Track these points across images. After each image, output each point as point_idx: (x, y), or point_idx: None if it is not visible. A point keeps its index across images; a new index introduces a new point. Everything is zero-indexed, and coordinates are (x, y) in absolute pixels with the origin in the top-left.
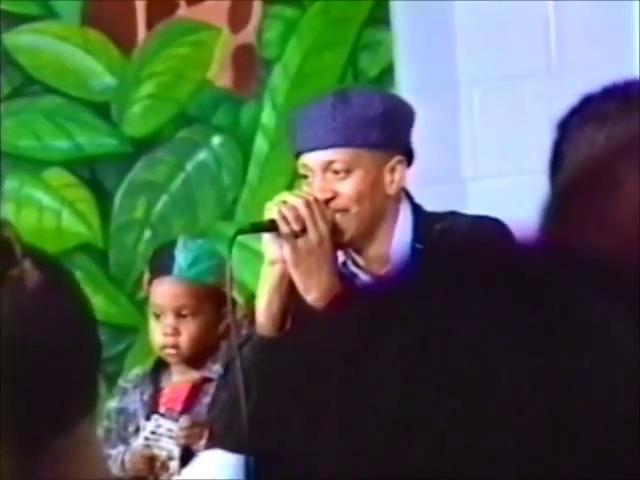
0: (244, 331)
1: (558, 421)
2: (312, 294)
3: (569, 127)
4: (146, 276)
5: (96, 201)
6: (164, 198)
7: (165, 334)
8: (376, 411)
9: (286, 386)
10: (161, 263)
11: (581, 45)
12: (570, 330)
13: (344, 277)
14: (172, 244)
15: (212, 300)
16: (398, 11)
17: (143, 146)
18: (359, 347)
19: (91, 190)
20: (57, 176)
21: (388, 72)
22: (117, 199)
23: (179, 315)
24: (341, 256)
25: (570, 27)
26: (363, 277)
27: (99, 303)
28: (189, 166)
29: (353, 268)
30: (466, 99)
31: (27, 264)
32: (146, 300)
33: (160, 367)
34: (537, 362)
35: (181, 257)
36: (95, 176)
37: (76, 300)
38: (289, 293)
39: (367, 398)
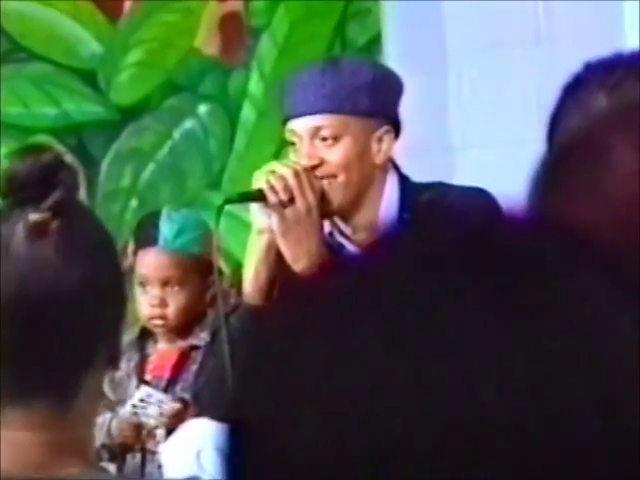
0: (232, 300)
1: (541, 400)
2: (300, 263)
3: (565, 93)
4: (131, 246)
5: (82, 169)
6: (151, 166)
7: (152, 305)
8: (359, 380)
9: (271, 353)
10: (146, 234)
11: (570, 14)
12: (557, 305)
13: (331, 247)
14: (157, 214)
15: (198, 270)
16: None
17: (130, 114)
18: (343, 316)
19: (77, 158)
20: (44, 143)
21: (376, 41)
22: (104, 167)
23: (165, 286)
24: (327, 227)
25: None
26: (349, 247)
27: None
28: (176, 134)
29: (340, 238)
30: (454, 68)
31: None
32: (130, 270)
33: (146, 334)
34: (521, 334)
35: (166, 228)
36: (82, 144)
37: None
38: (277, 263)
39: (350, 367)
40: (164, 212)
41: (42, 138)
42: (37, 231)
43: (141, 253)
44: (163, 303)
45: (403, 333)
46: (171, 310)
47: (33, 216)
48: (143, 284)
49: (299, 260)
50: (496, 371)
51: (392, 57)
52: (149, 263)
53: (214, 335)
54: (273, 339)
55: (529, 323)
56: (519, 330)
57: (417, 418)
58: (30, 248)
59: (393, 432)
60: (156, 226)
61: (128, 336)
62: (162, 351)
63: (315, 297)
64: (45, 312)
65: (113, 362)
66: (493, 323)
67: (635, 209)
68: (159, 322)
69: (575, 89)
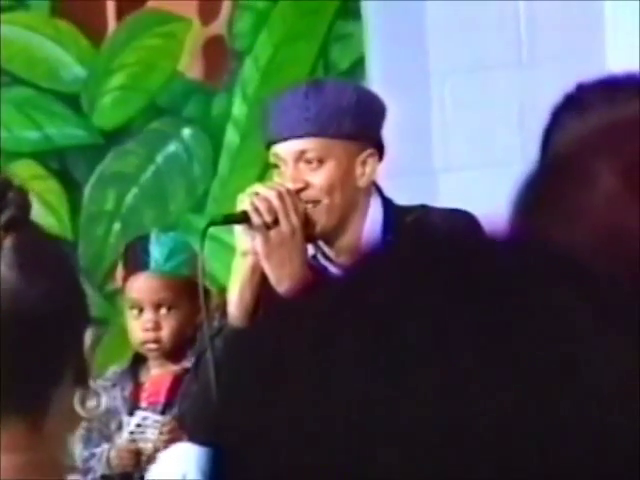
0: (216, 323)
1: (525, 416)
2: (284, 285)
3: (559, 112)
4: (120, 272)
5: (66, 193)
6: (134, 190)
7: (146, 329)
8: (344, 401)
9: (253, 375)
10: (136, 258)
11: (552, 36)
12: (536, 324)
13: (314, 270)
14: (144, 238)
15: (189, 292)
16: (369, 3)
17: (113, 137)
18: (326, 336)
19: (61, 182)
20: (26, 167)
21: (359, 64)
22: (87, 191)
23: (158, 309)
24: (311, 249)
25: (541, 18)
26: (333, 270)
27: None
28: (159, 158)
29: (323, 261)
30: (437, 91)
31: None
32: (117, 294)
33: (137, 362)
34: (501, 355)
35: (156, 251)
36: (65, 167)
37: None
38: (261, 285)
39: (334, 387)
40: (153, 235)
41: (24, 162)
42: None
43: (132, 278)
44: (157, 326)
45: (387, 352)
46: (165, 333)
47: None
48: (135, 310)
49: (283, 282)
50: (480, 387)
51: (375, 80)
52: (141, 287)
53: (198, 358)
54: (255, 361)
55: (511, 340)
56: (502, 346)
57: (403, 438)
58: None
59: (380, 453)
60: (145, 250)
61: (120, 365)
62: (155, 377)
63: (297, 318)
64: (3, 330)
65: (81, 380)
66: (476, 339)
67: (618, 232)
68: (153, 346)
69: (568, 109)
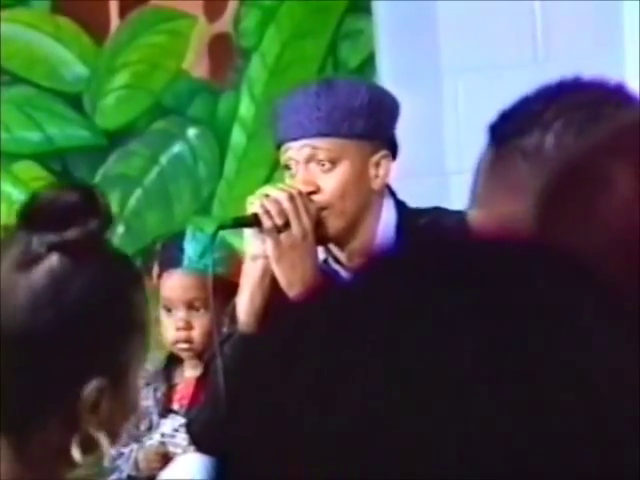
0: (225, 329)
1: (530, 416)
2: (295, 290)
3: (524, 124)
4: (155, 269)
5: None
6: (138, 192)
7: (177, 328)
8: (353, 409)
9: (261, 383)
10: (170, 256)
11: (568, 34)
12: (549, 329)
13: (325, 274)
14: (180, 236)
15: (223, 291)
16: None
17: (116, 138)
18: (335, 341)
19: (62, 184)
20: (27, 169)
21: (369, 62)
22: None
23: (191, 308)
24: (322, 254)
25: (557, 15)
26: (344, 274)
27: None
28: (164, 159)
29: (334, 265)
30: (450, 90)
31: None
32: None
33: (172, 362)
34: (511, 359)
35: (190, 248)
36: (67, 169)
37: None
38: (272, 289)
39: (343, 395)
40: (188, 232)
41: (25, 163)
42: (23, 262)
43: (165, 275)
44: (188, 326)
45: (398, 356)
46: (197, 333)
47: (27, 246)
48: (168, 307)
49: (294, 286)
50: (487, 388)
51: (386, 78)
52: (173, 285)
53: (207, 366)
54: (265, 368)
55: (520, 342)
56: (510, 349)
57: (413, 445)
58: (10, 276)
59: (389, 461)
60: (180, 247)
61: (153, 365)
62: (189, 379)
63: (307, 322)
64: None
65: (75, 427)
66: (487, 343)
67: (631, 235)
68: (185, 345)
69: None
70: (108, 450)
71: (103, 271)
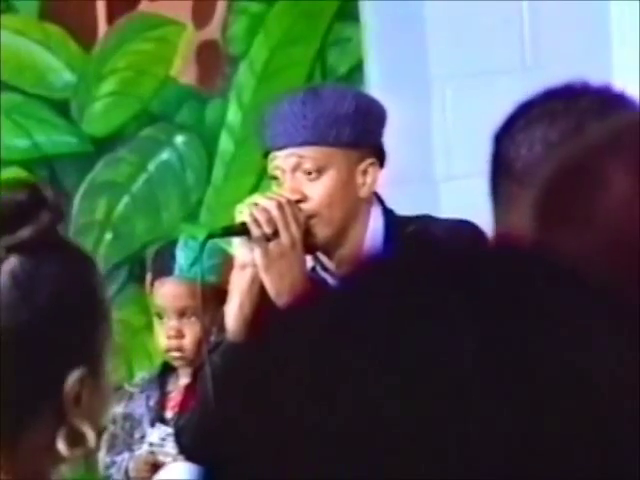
0: (213, 337)
1: (528, 421)
2: (284, 298)
3: (511, 132)
4: (148, 277)
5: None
6: (125, 199)
7: (169, 337)
8: (342, 410)
9: (250, 389)
10: (162, 263)
11: (556, 39)
12: (543, 335)
13: (314, 283)
14: (173, 243)
15: (215, 300)
16: (368, 6)
17: (104, 145)
18: (324, 349)
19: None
20: (15, 176)
21: (358, 69)
22: (77, 200)
23: (182, 316)
24: (310, 262)
25: (545, 21)
26: (332, 282)
27: None
28: (152, 166)
29: (323, 274)
30: (438, 96)
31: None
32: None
33: (167, 370)
34: (511, 360)
35: (182, 257)
36: (54, 176)
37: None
38: (260, 297)
39: (332, 398)
40: (180, 240)
41: (12, 170)
42: None
43: (157, 283)
44: (180, 334)
45: (387, 364)
46: (188, 341)
47: None
48: (160, 315)
49: (282, 294)
50: (481, 393)
51: (374, 85)
52: (165, 293)
53: (195, 374)
54: (254, 376)
55: (520, 343)
56: (505, 354)
57: (408, 450)
58: None
59: (384, 466)
60: (172, 255)
61: (148, 373)
62: (183, 387)
63: (296, 330)
64: None
65: (64, 419)
66: (484, 341)
67: (630, 234)
68: (176, 354)
69: (524, 124)
70: (94, 442)
71: (64, 263)
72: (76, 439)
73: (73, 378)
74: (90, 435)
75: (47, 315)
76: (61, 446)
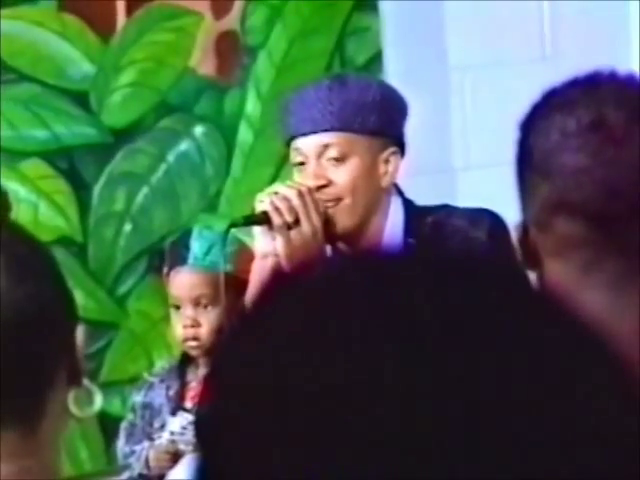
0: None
1: (509, 454)
2: None
3: (533, 120)
4: (164, 269)
5: (74, 193)
6: (145, 190)
7: (185, 326)
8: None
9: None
10: (177, 253)
11: (576, 30)
12: (533, 376)
13: None
14: (188, 234)
15: (231, 288)
16: None
17: (123, 136)
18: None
19: (69, 182)
20: (34, 167)
21: (376, 59)
22: (96, 191)
23: (198, 305)
24: (329, 253)
25: (564, 11)
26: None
27: (78, 298)
28: (171, 157)
29: None
30: (457, 87)
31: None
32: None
33: (187, 360)
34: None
35: (196, 246)
36: (73, 167)
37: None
38: None
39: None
40: (195, 230)
41: (32, 162)
42: None
43: (172, 274)
44: (196, 323)
45: (389, 362)
46: (204, 330)
47: None
48: (176, 305)
49: None
50: (489, 393)
51: (392, 75)
52: (180, 283)
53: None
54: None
55: (504, 389)
56: (493, 395)
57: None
58: None
59: (380, 465)
60: (187, 245)
61: (168, 363)
62: (203, 377)
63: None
64: None
65: (74, 380)
66: (479, 352)
67: None
68: (193, 343)
69: (546, 111)
70: (100, 401)
71: (24, 256)
72: (79, 398)
73: (79, 334)
74: (96, 392)
75: (32, 300)
76: (72, 407)
